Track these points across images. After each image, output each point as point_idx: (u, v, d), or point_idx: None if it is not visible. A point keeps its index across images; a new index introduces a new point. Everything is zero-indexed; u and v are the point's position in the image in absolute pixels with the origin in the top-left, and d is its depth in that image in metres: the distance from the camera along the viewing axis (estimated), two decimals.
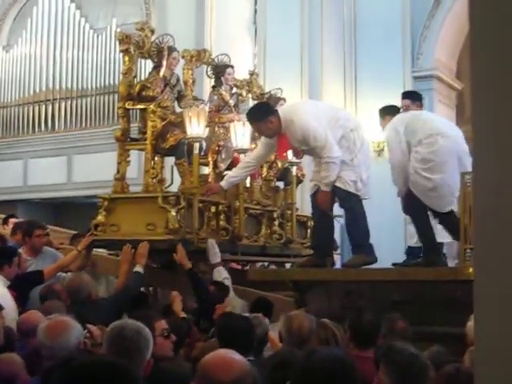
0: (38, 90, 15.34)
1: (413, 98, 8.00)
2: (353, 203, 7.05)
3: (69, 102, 15.00)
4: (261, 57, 13.88)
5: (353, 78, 14.52)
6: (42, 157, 15.09)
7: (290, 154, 8.04)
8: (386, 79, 13.87)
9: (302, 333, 4.77)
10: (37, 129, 15.31)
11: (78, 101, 14.92)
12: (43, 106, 15.24)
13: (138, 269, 6.99)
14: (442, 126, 7.20)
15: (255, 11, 14.25)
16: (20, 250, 8.08)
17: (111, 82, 14.53)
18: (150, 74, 7.94)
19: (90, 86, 14.84)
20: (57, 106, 15.11)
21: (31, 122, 15.36)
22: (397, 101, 13.47)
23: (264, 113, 7.20)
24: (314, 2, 14.19)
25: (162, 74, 7.76)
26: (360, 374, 2.87)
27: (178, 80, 7.99)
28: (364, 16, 14.49)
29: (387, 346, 3.73)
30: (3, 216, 10.53)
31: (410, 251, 7.87)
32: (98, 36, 14.93)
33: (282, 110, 7.44)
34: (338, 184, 7.00)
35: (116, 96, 14.04)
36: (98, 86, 14.73)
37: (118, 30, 14.23)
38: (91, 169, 14.33)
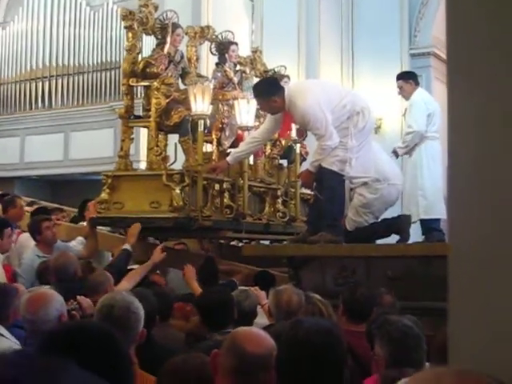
0: (34, 67, 15.28)
1: (404, 77, 8.22)
2: (334, 182, 7.05)
3: (66, 79, 14.96)
4: (258, 34, 13.83)
5: (350, 55, 14.49)
6: (38, 134, 15.06)
7: (293, 132, 8.04)
8: (383, 57, 13.85)
9: (290, 307, 4.78)
10: (34, 106, 15.27)
11: (75, 78, 14.88)
12: (40, 83, 15.20)
13: (127, 246, 7.00)
14: None
15: None
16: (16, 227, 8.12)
17: (108, 59, 14.49)
18: (153, 50, 7.87)
19: (86, 63, 14.79)
20: (54, 82, 15.07)
21: (28, 99, 15.32)
22: (394, 78, 13.56)
23: (269, 91, 7.18)
24: None
25: (166, 50, 7.71)
26: (346, 345, 2.87)
27: (182, 57, 7.94)
28: None
29: (381, 319, 3.75)
30: None
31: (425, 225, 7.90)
32: (94, 13, 14.87)
33: (288, 88, 7.40)
34: (323, 164, 7.02)
35: (113, 73, 14.06)
36: (95, 62, 14.69)
37: (115, 6, 14.20)
38: (88, 146, 14.31)
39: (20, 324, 4.74)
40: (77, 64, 14.89)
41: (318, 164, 7.08)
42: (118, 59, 14.24)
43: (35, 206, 9.45)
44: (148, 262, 6.86)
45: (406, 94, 8.17)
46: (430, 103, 8.01)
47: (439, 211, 7.67)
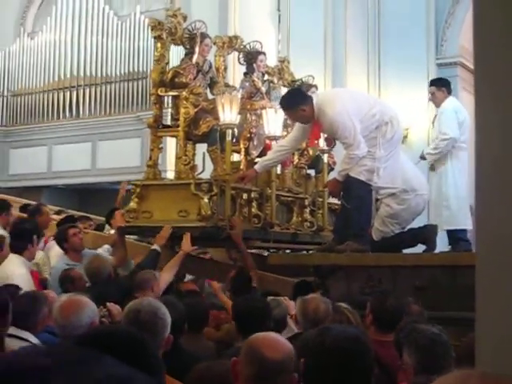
0: (62, 77, 15.42)
1: (437, 84, 8.23)
2: (362, 192, 7.05)
3: (93, 89, 15.07)
4: (284, 44, 13.86)
5: (376, 65, 14.48)
6: (66, 143, 15.17)
7: (321, 141, 8.04)
8: (409, 67, 13.84)
9: (317, 316, 4.81)
10: (61, 115, 15.38)
11: (103, 87, 14.98)
12: (68, 93, 15.32)
13: (156, 247, 7.04)
14: None
15: None
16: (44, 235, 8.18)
17: (135, 69, 14.57)
18: (182, 60, 7.90)
19: (114, 73, 14.88)
20: (81, 92, 15.18)
21: (56, 109, 15.44)
22: (421, 88, 13.54)
23: (296, 101, 7.20)
24: None
25: (194, 60, 7.74)
26: (374, 353, 2.86)
27: (210, 66, 7.97)
28: (388, 3, 14.44)
29: (409, 327, 3.75)
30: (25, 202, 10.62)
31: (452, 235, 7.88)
32: (122, 23, 14.96)
33: (317, 97, 7.42)
34: (351, 173, 7.02)
35: (140, 82, 14.14)
36: (122, 72, 14.77)
37: (142, 16, 14.29)
38: (115, 155, 14.40)
39: (51, 330, 4.79)
40: (104, 74, 14.99)
41: (346, 173, 7.08)
42: (145, 69, 14.34)
43: (63, 215, 9.50)
44: (180, 253, 6.93)
45: (437, 101, 8.17)
46: (461, 112, 8.00)
47: (462, 222, 7.67)
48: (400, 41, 14.00)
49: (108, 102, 14.91)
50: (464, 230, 7.76)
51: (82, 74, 15.22)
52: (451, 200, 7.84)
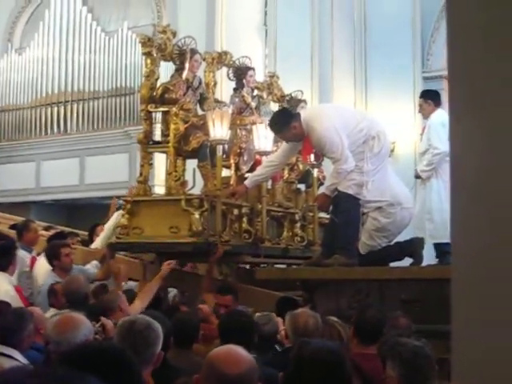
0: (50, 92, 15.39)
1: (424, 96, 8.26)
2: (350, 206, 7.08)
3: (81, 104, 15.06)
4: (271, 58, 13.91)
5: (363, 79, 14.56)
6: (54, 159, 15.14)
7: (311, 156, 8.07)
8: (396, 80, 13.92)
9: (307, 330, 4.79)
10: (49, 131, 15.36)
11: (90, 103, 14.97)
12: (55, 108, 15.30)
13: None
14: None
15: (265, 13, 14.27)
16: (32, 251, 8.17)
17: (123, 84, 14.58)
18: (172, 76, 7.93)
19: (101, 88, 14.88)
20: (69, 108, 15.17)
21: (44, 124, 15.42)
22: (407, 102, 13.62)
23: (285, 121, 7.23)
24: (324, 4, 14.23)
25: (184, 76, 7.77)
26: (352, 365, 2.89)
27: (200, 82, 8.00)
28: (374, 18, 14.53)
29: (393, 341, 3.78)
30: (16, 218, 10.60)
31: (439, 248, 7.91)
32: (109, 39, 14.97)
33: (304, 113, 7.46)
34: (339, 187, 7.06)
35: (127, 98, 14.16)
36: (110, 88, 14.77)
37: (129, 32, 14.33)
38: (103, 170, 14.38)
39: (37, 347, 4.78)
40: (92, 89, 14.98)
41: (334, 187, 7.12)
42: (132, 85, 14.37)
43: (52, 231, 9.48)
44: (156, 277, 6.85)
45: (424, 113, 8.22)
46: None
47: (447, 235, 7.70)
48: (386, 54, 14.08)
49: (96, 118, 14.90)
50: (448, 244, 7.75)
51: (69, 89, 15.21)
52: (434, 213, 7.87)
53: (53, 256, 7.35)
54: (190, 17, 13.53)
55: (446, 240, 7.70)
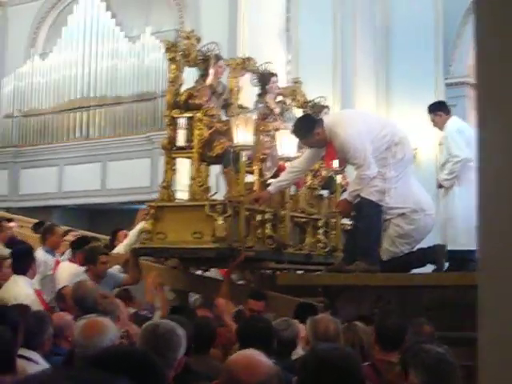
0: (72, 98, 15.43)
1: (433, 111, 8.29)
2: (372, 212, 7.09)
3: (103, 109, 15.08)
4: (294, 64, 13.90)
5: (385, 85, 14.55)
6: (76, 163, 15.18)
7: (335, 162, 8.07)
8: (418, 87, 13.90)
9: (327, 335, 4.81)
10: (72, 136, 15.40)
11: (113, 108, 14.99)
12: (78, 113, 15.34)
13: None
14: None
15: (287, 19, 14.27)
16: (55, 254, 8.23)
17: (145, 90, 14.58)
18: (196, 82, 7.95)
19: (124, 94, 14.88)
20: (91, 113, 15.20)
21: (66, 129, 15.47)
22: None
23: (309, 127, 7.27)
24: (347, 10, 14.23)
25: (208, 82, 7.79)
26: (363, 370, 2.87)
27: (224, 88, 8.02)
28: (396, 24, 14.52)
29: (416, 347, 3.76)
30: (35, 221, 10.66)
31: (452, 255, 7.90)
32: (132, 44, 14.99)
33: (327, 118, 7.48)
34: (361, 194, 7.06)
35: (150, 103, 14.18)
36: (132, 93, 14.77)
37: (152, 37, 14.37)
38: (125, 175, 14.40)
39: (58, 351, 4.80)
40: (114, 95, 15.00)
41: (356, 194, 7.11)
42: (155, 90, 14.38)
43: (72, 234, 9.50)
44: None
45: (438, 126, 8.22)
46: (466, 131, 8.02)
47: (469, 242, 7.67)
48: (408, 61, 14.08)
49: (118, 123, 14.91)
50: (472, 251, 7.76)
51: (92, 94, 15.24)
52: (457, 219, 7.87)
53: (90, 260, 7.40)
54: (212, 22, 13.55)
55: (469, 247, 7.68)
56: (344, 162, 8.24)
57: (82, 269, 7.46)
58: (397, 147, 7.14)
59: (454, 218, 7.92)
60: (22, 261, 6.96)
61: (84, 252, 7.62)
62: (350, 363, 2.80)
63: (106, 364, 2.30)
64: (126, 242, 8.56)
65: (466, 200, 7.87)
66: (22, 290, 6.75)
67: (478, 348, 1.59)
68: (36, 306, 6.19)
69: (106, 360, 2.36)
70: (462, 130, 8.04)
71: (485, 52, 1.63)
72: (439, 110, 8.25)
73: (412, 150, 7.68)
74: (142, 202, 11.49)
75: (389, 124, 7.64)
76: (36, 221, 10.81)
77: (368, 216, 7.09)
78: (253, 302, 6.71)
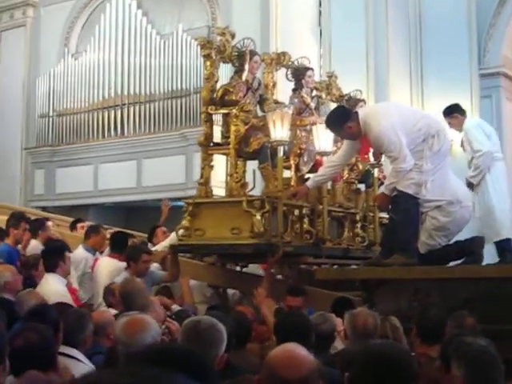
0: (106, 96, 15.50)
1: (448, 114, 8.44)
2: (409, 205, 7.04)
3: (137, 107, 15.11)
4: (326, 58, 13.86)
5: (419, 77, 14.41)
6: (112, 161, 15.26)
7: (370, 155, 8.04)
8: (452, 78, 13.76)
9: (366, 329, 4.81)
10: (106, 134, 15.47)
11: (147, 106, 15.02)
12: (112, 112, 15.40)
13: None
14: None
15: (320, 13, 14.22)
16: (96, 253, 8.30)
17: (178, 87, 14.62)
18: (231, 78, 7.95)
19: (157, 91, 14.92)
20: (125, 111, 15.25)
21: (101, 128, 15.53)
22: (464, 99, 13.47)
23: (341, 119, 7.26)
24: (379, 3, 14.13)
25: (244, 78, 7.79)
26: (418, 368, 2.84)
27: (259, 84, 8.01)
28: (429, 15, 14.38)
29: (458, 340, 3.73)
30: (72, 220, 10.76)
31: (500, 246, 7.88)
32: (164, 41, 15.02)
33: (362, 111, 7.45)
34: (398, 187, 7.01)
35: (183, 100, 14.22)
36: (166, 90, 14.81)
37: (184, 34, 14.39)
38: (160, 172, 14.46)
39: (98, 349, 4.82)
40: (148, 92, 15.03)
41: (393, 187, 7.08)
42: (188, 87, 14.41)
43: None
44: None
45: (457, 128, 8.26)
46: (485, 126, 8.10)
47: (506, 232, 7.68)
48: (442, 52, 13.94)
49: (152, 120, 14.95)
50: (509, 240, 7.76)
51: (125, 92, 15.28)
52: (496, 212, 7.85)
53: (132, 258, 7.47)
54: (244, 18, 13.55)
55: (506, 236, 7.68)
56: (378, 155, 8.21)
57: (123, 264, 7.50)
58: (433, 139, 7.09)
59: (493, 212, 7.90)
60: (51, 259, 7.05)
61: (127, 249, 7.67)
62: (405, 360, 2.78)
63: (155, 361, 2.31)
64: (164, 242, 8.58)
65: (498, 191, 7.86)
66: (51, 287, 6.83)
67: None
68: (66, 302, 6.25)
69: (156, 357, 2.36)
70: (480, 125, 8.08)
71: None
72: (455, 111, 8.31)
73: (449, 143, 7.63)
74: (178, 199, 11.62)
75: (425, 116, 7.58)
76: (72, 219, 10.90)
77: (405, 209, 7.05)
78: (291, 298, 6.72)
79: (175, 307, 6.90)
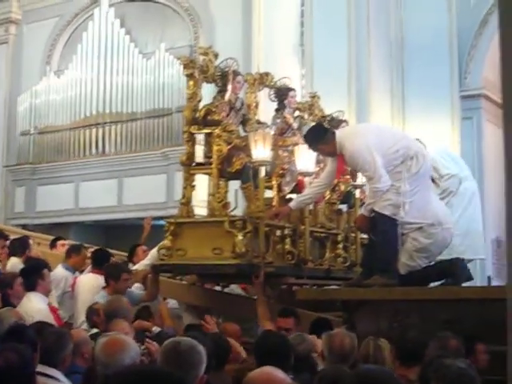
0: (88, 114, 15.47)
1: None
2: (387, 226, 7.03)
3: (119, 126, 15.10)
4: (308, 78, 13.90)
5: (400, 98, 14.50)
6: (93, 180, 15.21)
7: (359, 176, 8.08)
8: (433, 99, 13.85)
9: (343, 350, 4.84)
10: (88, 152, 15.43)
11: (128, 124, 15.01)
12: (94, 130, 15.37)
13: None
14: None
15: (302, 33, 14.28)
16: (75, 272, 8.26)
17: (160, 105, 14.61)
18: (214, 98, 7.95)
19: (139, 110, 14.91)
20: (107, 129, 15.23)
21: (82, 146, 15.49)
22: (445, 121, 13.56)
23: (317, 137, 7.29)
24: (361, 24, 14.22)
25: (227, 98, 7.79)
26: None
27: (242, 104, 8.02)
28: (411, 36, 14.49)
29: (436, 362, 3.74)
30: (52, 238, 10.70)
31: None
32: (146, 60, 15.03)
33: (339, 131, 7.50)
34: (375, 208, 7.02)
35: (165, 119, 14.20)
36: (147, 109, 14.80)
37: (167, 54, 14.41)
38: (141, 191, 14.43)
39: (74, 369, 4.78)
40: (130, 111, 15.02)
41: (371, 208, 7.09)
42: (170, 106, 14.41)
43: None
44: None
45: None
46: (449, 152, 8.29)
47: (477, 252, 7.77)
48: (423, 73, 14.04)
49: (134, 139, 14.92)
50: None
51: (107, 111, 15.25)
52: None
53: (112, 276, 7.40)
54: (226, 38, 13.60)
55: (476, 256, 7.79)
56: (355, 176, 8.25)
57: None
58: (412, 161, 7.10)
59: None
60: (30, 277, 7.04)
61: (107, 267, 7.63)
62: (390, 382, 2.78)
63: (135, 383, 2.29)
64: (145, 261, 8.54)
65: (470, 213, 7.96)
66: (33, 305, 6.82)
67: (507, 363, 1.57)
68: (48, 321, 6.21)
69: (136, 379, 2.34)
70: (445, 151, 8.21)
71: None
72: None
73: (429, 164, 7.65)
74: (159, 218, 11.57)
75: (404, 138, 7.59)
76: (53, 237, 10.84)
77: (383, 231, 7.06)
78: (281, 319, 6.67)
79: (155, 329, 6.88)
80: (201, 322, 6.78)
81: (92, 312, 6.63)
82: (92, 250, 9.46)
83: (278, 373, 2.91)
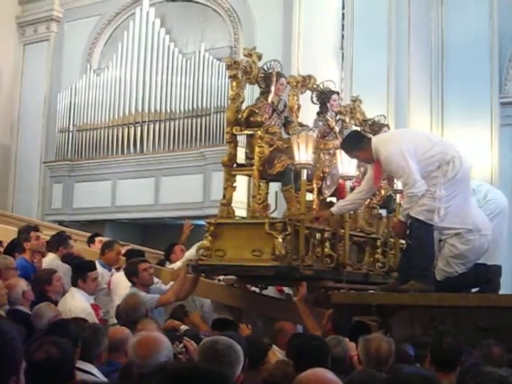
0: (127, 113, 15.51)
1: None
2: (422, 232, 7.00)
3: (157, 125, 15.11)
4: (347, 82, 13.85)
5: (440, 104, 14.42)
6: (130, 178, 15.25)
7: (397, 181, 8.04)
8: (473, 105, 13.77)
9: (379, 355, 4.82)
10: (125, 150, 15.46)
11: (167, 123, 15.02)
12: (132, 128, 15.40)
13: None
14: None
15: (342, 37, 14.23)
16: (111, 269, 8.32)
17: (199, 106, 14.62)
18: (257, 99, 7.96)
19: (178, 109, 14.92)
20: (145, 128, 15.25)
21: (120, 144, 15.52)
22: (484, 127, 13.47)
23: (353, 144, 7.30)
24: (401, 29, 14.16)
25: (269, 99, 7.79)
26: None
27: (285, 106, 8.02)
28: (451, 42, 14.41)
29: (476, 369, 3.71)
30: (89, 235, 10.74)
31: None
32: (186, 60, 15.05)
33: (375, 138, 7.52)
34: (411, 213, 6.99)
35: (203, 119, 14.22)
36: (186, 109, 14.81)
37: (207, 54, 14.43)
38: (178, 191, 14.45)
39: (112, 365, 4.80)
40: (168, 110, 15.03)
41: (407, 213, 7.06)
42: (208, 106, 14.42)
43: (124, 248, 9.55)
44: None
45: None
46: None
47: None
48: (463, 79, 13.96)
49: (172, 138, 14.93)
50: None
51: (146, 110, 15.29)
52: None
53: (132, 273, 7.51)
54: (266, 40, 13.58)
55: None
56: (392, 182, 8.22)
57: None
58: (448, 166, 7.05)
59: None
60: (80, 274, 7.20)
61: (125, 269, 7.69)
62: None
63: (178, 380, 2.29)
64: (185, 258, 8.57)
65: None
66: (78, 303, 6.87)
67: None
68: (91, 319, 6.27)
69: (179, 376, 2.34)
70: None
71: None
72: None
73: (467, 169, 7.58)
74: (195, 218, 11.61)
75: (440, 143, 7.52)
76: (89, 234, 10.89)
77: (418, 236, 7.03)
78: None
79: (183, 327, 6.89)
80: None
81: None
82: (127, 247, 9.53)
83: (330, 374, 2.91)
